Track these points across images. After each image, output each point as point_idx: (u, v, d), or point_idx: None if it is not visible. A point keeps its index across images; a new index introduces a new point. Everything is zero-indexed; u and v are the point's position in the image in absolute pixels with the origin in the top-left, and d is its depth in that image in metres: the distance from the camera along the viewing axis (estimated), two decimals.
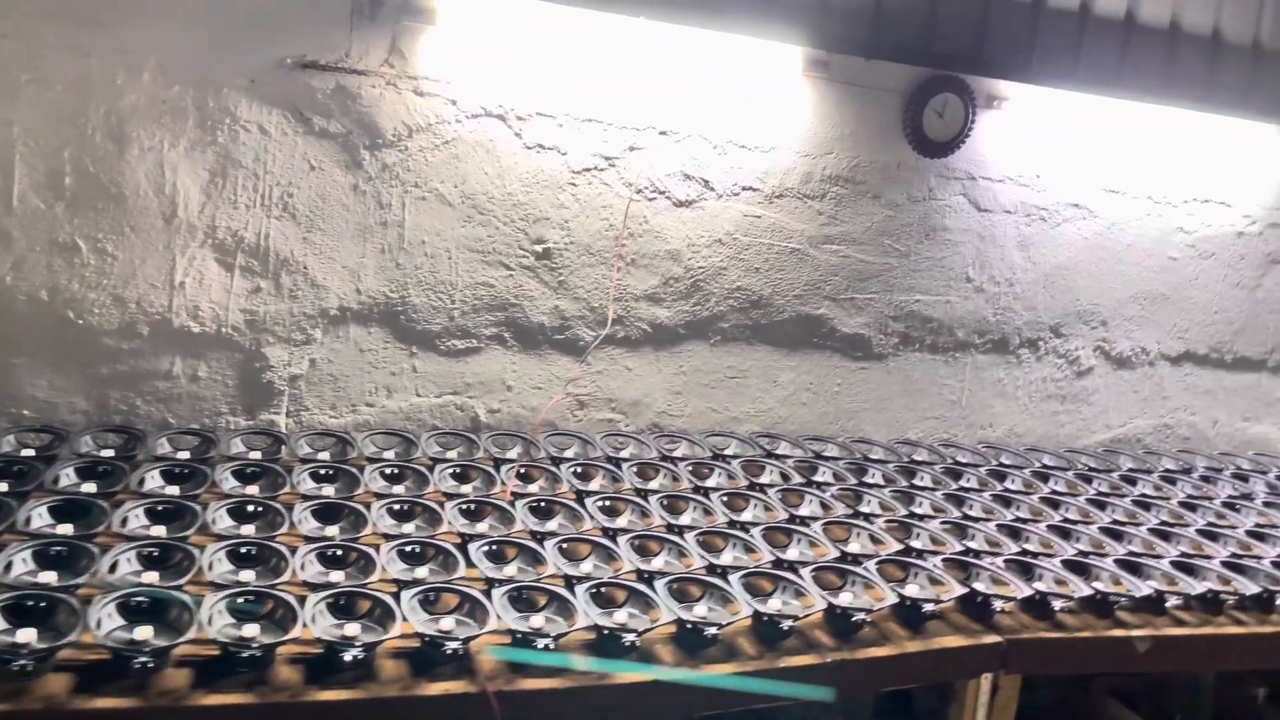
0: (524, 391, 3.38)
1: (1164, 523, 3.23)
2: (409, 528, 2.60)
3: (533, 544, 2.53)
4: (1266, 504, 3.57)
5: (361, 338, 3.19)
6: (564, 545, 2.57)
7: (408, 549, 2.46)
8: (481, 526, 2.65)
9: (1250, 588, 2.73)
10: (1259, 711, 3.37)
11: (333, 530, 2.52)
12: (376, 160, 3.09)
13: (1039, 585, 2.60)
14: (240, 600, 2.10)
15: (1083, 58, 3.77)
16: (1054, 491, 3.43)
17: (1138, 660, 2.55)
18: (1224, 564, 2.90)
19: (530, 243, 3.30)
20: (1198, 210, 4.09)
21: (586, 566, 2.49)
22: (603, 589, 2.38)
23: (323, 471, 2.85)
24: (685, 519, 2.85)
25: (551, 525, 2.71)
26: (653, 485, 3.06)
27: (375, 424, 3.23)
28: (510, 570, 2.43)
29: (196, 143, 2.91)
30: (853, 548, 2.73)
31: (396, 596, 2.18)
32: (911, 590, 2.51)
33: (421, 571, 2.37)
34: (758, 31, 3.28)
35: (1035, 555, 2.80)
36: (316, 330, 3.13)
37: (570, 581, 2.38)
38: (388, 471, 2.91)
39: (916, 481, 3.38)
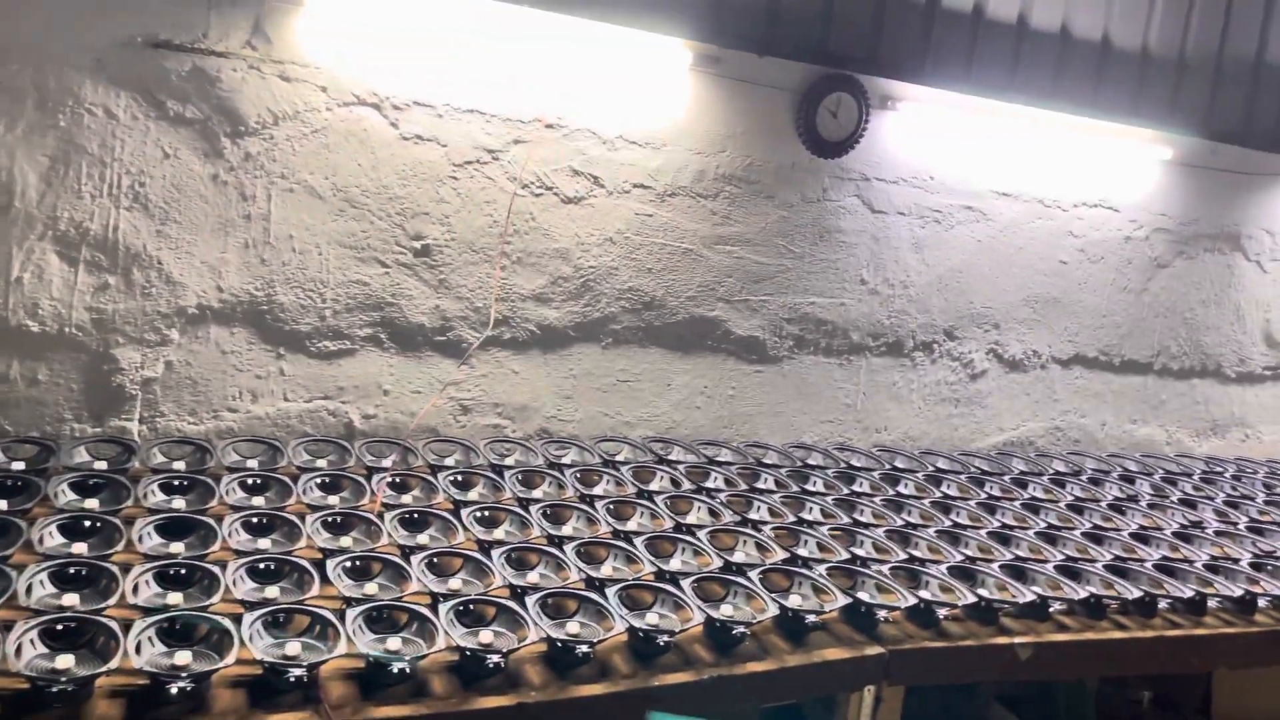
0: (402, 396, 3.21)
1: (1051, 526, 3.22)
2: (264, 543, 2.42)
3: (398, 559, 2.37)
4: (1150, 505, 3.61)
5: (223, 338, 2.98)
6: (434, 560, 2.42)
7: (260, 566, 2.28)
8: (345, 541, 2.48)
9: (1132, 592, 2.72)
10: (1143, 716, 3.39)
11: (178, 547, 2.32)
12: (238, 149, 2.89)
13: (923, 593, 2.55)
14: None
15: (976, 61, 3.77)
16: (946, 495, 3.40)
17: (1021, 667, 2.51)
18: (1107, 568, 2.90)
19: (408, 239, 3.14)
20: (1087, 214, 4.13)
21: (455, 583, 2.34)
22: (471, 606, 2.23)
23: (175, 483, 2.64)
24: (567, 529, 2.72)
25: (422, 538, 2.55)
26: (536, 494, 2.92)
27: (239, 431, 3.03)
28: (371, 588, 2.27)
29: (35, 126, 2.68)
30: (738, 557, 2.64)
31: (238, 619, 2.00)
32: (794, 601, 2.42)
33: (272, 591, 2.19)
34: (646, 24, 3.18)
35: (923, 562, 2.75)
36: (173, 330, 2.91)
37: (436, 599, 2.23)
38: (248, 482, 2.71)
39: (809, 486, 3.31)
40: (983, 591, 2.61)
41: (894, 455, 3.78)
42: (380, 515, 2.61)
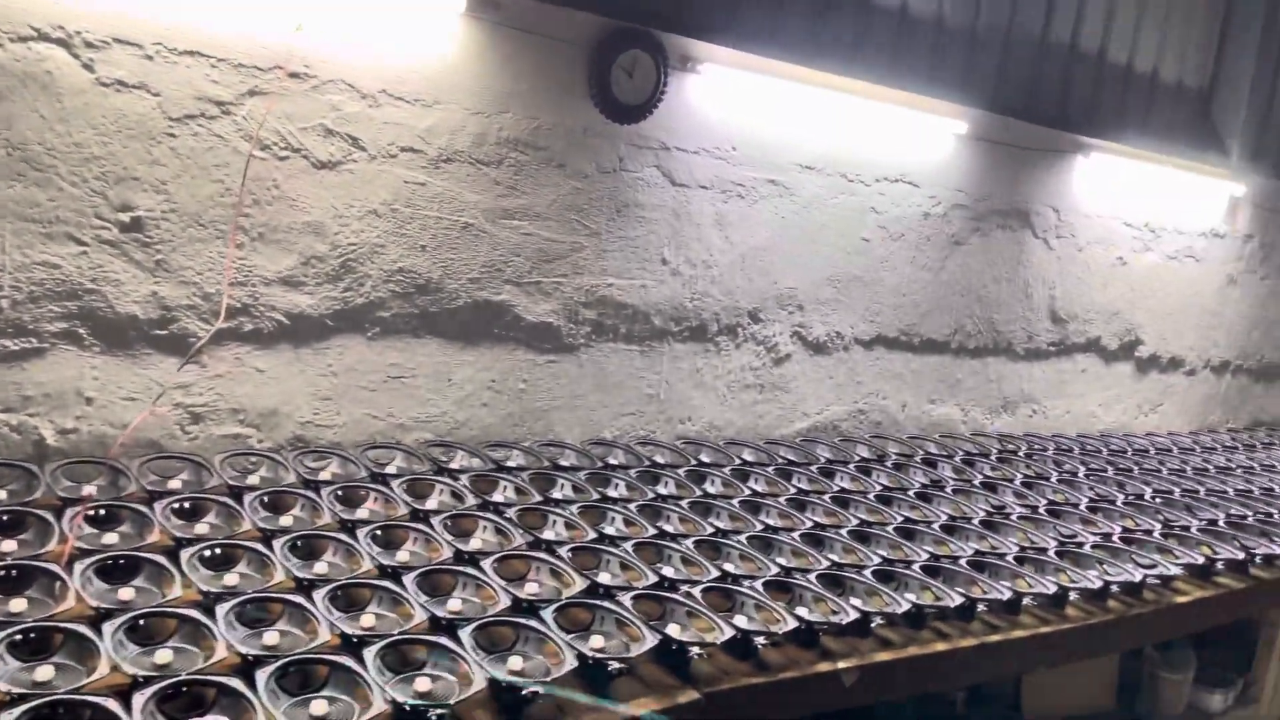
0: (111, 405, 2.60)
1: (863, 523, 3.03)
2: None
3: (85, 629, 1.82)
4: (955, 491, 3.52)
5: None
6: (139, 624, 1.89)
7: None
8: (16, 605, 1.91)
9: (953, 598, 2.54)
10: (958, 716, 3.31)
11: None
12: None
13: (739, 619, 2.26)
14: None
15: (779, 22, 3.52)
16: (754, 493, 3.15)
17: (847, 693, 2.27)
18: (924, 569, 2.73)
19: (113, 210, 2.52)
20: (888, 190, 3.99)
21: (165, 655, 1.82)
22: (184, 689, 1.73)
23: None
24: (321, 567, 2.24)
25: (125, 594, 2.01)
26: (285, 522, 2.42)
27: None
28: (45, 673, 1.72)
29: None
30: (529, 590, 2.26)
31: None
32: (596, 643, 2.06)
33: None
34: None
35: (736, 579, 2.46)
36: None
37: (136, 684, 1.71)
38: None
39: (610, 492, 2.97)
40: (802, 611, 2.35)
41: (699, 448, 3.51)
42: (69, 564, 2.04)
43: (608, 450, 3.33)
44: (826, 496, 3.22)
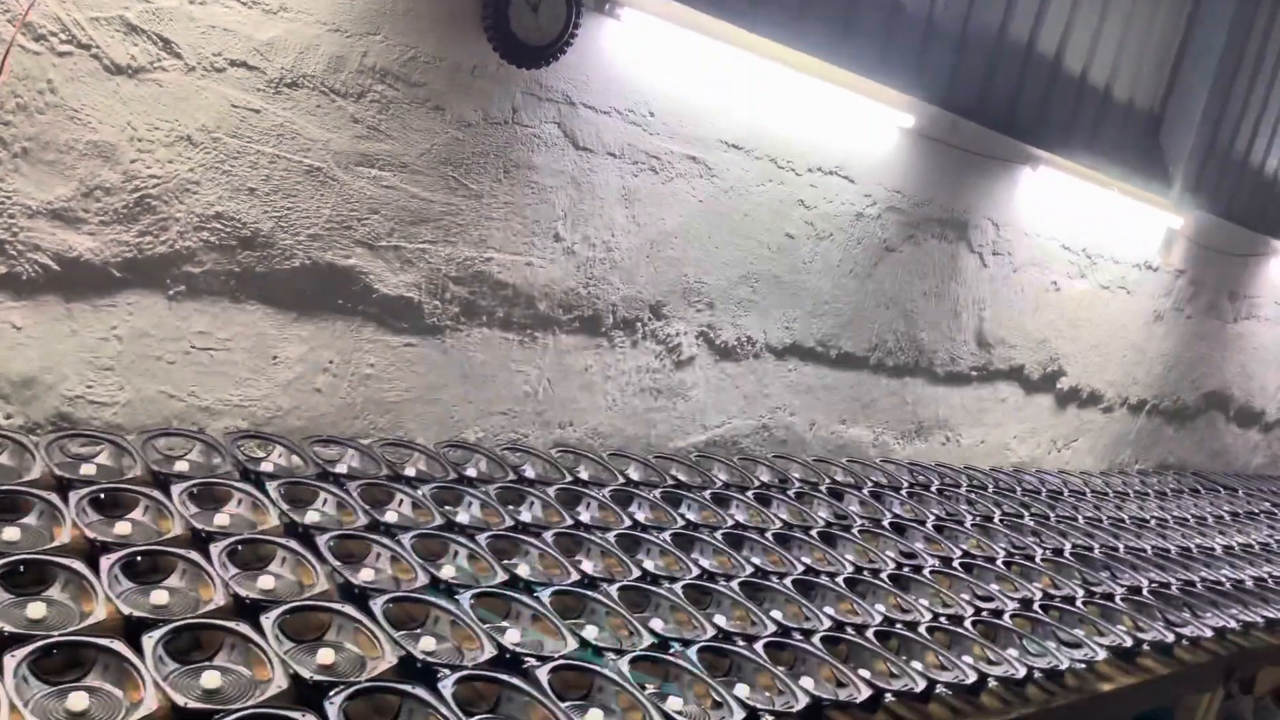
0: None
1: (758, 572, 2.58)
2: None
3: None
4: (862, 532, 3.09)
5: None
6: None
7: None
8: None
9: (859, 691, 2.10)
10: None
11: None
12: None
13: (595, 716, 1.76)
14: None
15: None
16: (635, 524, 2.66)
17: None
18: (824, 641, 2.28)
19: None
20: (820, 182, 3.52)
21: None
22: None
23: None
24: (38, 609, 1.65)
25: None
26: (9, 536, 1.82)
27: None
28: None
29: None
30: (320, 661, 1.71)
31: None
32: None
33: None
34: None
35: (599, 651, 1.96)
36: None
37: None
38: None
39: (459, 514, 2.43)
40: (675, 703, 1.86)
41: (578, 460, 3.01)
42: None
43: (467, 456, 2.79)
44: (719, 533, 2.76)
